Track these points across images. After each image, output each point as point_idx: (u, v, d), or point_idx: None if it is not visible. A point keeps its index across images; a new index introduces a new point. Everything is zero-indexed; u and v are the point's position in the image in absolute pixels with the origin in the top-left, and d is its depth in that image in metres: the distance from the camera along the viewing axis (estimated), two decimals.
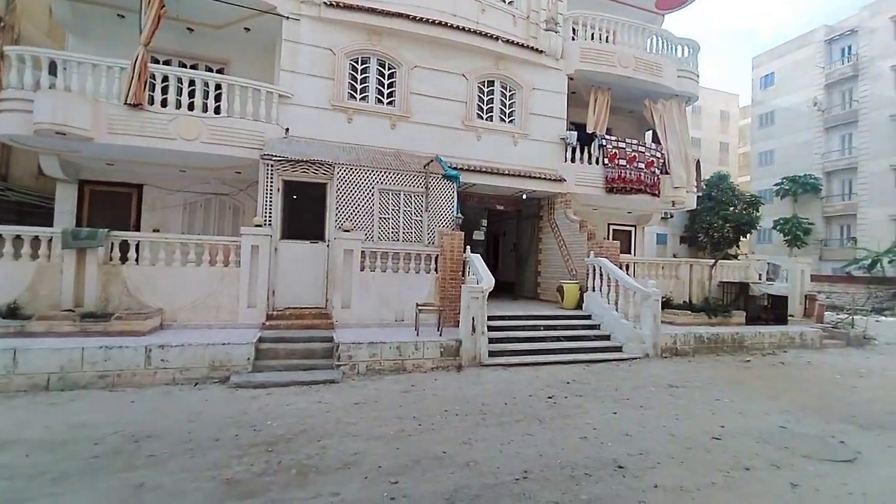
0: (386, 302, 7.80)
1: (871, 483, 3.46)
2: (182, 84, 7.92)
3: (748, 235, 26.64)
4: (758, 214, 25.22)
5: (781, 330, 9.55)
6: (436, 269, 8.17)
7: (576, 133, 11.14)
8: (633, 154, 11.51)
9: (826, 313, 12.17)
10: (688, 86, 12.27)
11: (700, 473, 3.55)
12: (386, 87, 9.54)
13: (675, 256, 23.67)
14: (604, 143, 11.37)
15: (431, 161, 8.83)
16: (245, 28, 9.40)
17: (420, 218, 8.71)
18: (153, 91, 7.67)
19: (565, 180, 10.90)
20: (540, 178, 10.56)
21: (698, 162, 12.90)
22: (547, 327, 8.16)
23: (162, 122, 7.59)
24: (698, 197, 14.59)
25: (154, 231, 8.68)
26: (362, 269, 7.70)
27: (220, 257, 7.09)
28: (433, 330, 7.22)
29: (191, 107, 7.83)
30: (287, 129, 8.54)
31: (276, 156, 7.81)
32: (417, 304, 7.34)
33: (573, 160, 11.14)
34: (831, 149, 29.83)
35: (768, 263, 12.26)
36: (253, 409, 4.67)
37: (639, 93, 11.86)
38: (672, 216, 25.61)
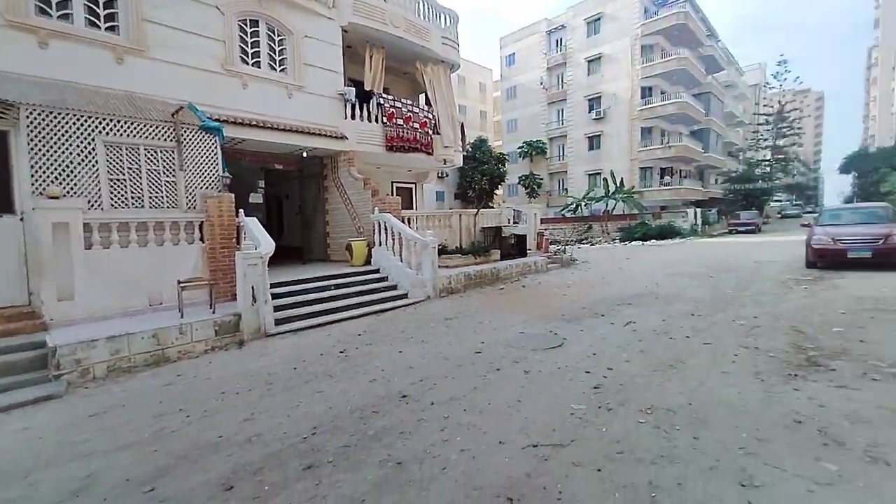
0: (133, 284, 6.27)
1: (571, 358, 4.87)
2: None
3: (499, 188, 32.57)
4: (504, 169, 30.95)
5: (523, 261, 12.24)
6: (202, 239, 7.00)
7: (354, 89, 11.00)
8: (408, 114, 12.18)
9: (551, 246, 16.19)
10: (451, 53, 13.54)
11: (466, 383, 4.27)
12: (102, 6, 7.17)
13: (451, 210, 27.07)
14: (382, 102, 11.61)
15: (181, 109, 7.25)
16: None
17: (173, 178, 7.17)
18: None
19: (347, 138, 10.75)
20: (320, 134, 10.11)
21: (462, 125, 14.67)
22: (338, 286, 8.17)
23: None
24: (464, 157, 16.78)
25: None
26: (89, 246, 5.92)
27: None
28: (204, 308, 6.24)
29: None
30: None
31: None
32: (179, 282, 6.16)
33: (353, 117, 11.03)
34: (552, 120, 38.69)
35: (514, 210, 15.31)
36: None
37: (411, 55, 12.46)
38: (447, 175, 28.97)
